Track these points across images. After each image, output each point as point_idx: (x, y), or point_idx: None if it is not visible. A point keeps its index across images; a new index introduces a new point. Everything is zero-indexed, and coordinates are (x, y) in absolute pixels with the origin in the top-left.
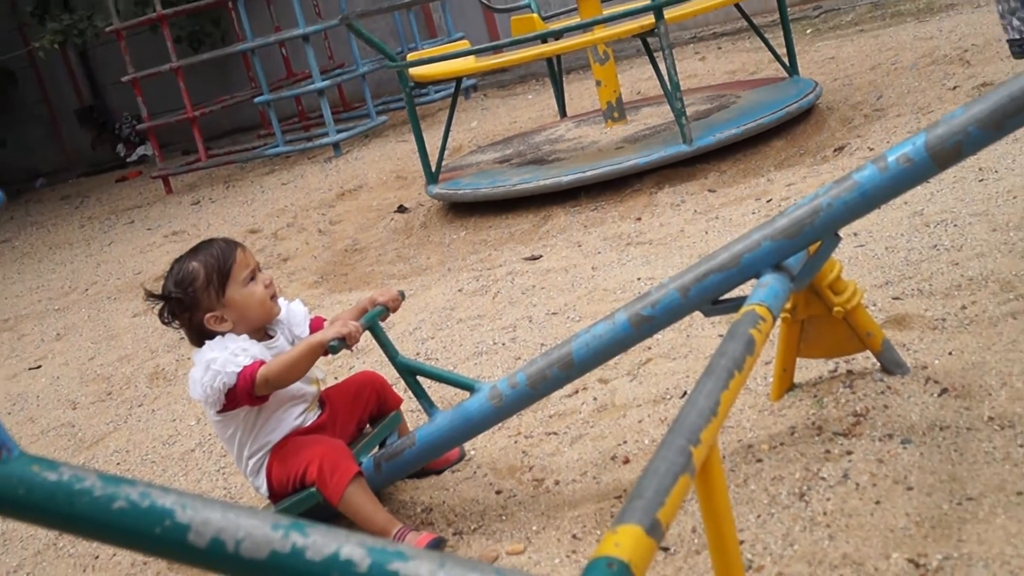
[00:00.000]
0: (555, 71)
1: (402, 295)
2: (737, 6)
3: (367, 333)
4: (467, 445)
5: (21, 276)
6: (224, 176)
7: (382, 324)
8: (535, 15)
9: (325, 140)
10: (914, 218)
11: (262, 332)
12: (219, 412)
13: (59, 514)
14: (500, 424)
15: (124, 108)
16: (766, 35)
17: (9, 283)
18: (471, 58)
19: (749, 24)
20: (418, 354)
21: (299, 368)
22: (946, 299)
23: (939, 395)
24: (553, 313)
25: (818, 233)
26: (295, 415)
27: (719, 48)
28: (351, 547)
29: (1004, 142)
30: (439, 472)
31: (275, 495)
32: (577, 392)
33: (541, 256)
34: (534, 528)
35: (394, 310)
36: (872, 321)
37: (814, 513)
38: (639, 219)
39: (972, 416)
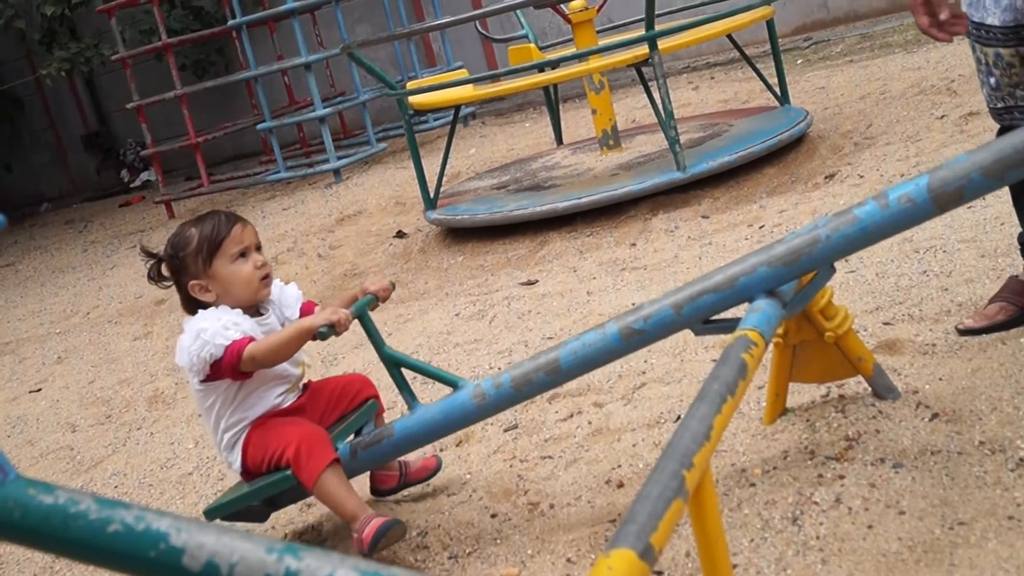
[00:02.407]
0: (552, 99)
1: (393, 286)
2: (729, 37)
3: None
4: (462, 469)
5: (24, 300)
6: (226, 201)
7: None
8: (532, 45)
9: (326, 166)
10: (904, 244)
11: (253, 308)
12: (201, 381)
13: (54, 537)
14: (495, 448)
15: (129, 134)
16: (758, 65)
17: (11, 306)
18: (469, 87)
19: (741, 55)
20: (415, 378)
21: (287, 350)
22: (936, 324)
23: (930, 420)
24: (549, 338)
25: (815, 263)
26: (276, 394)
27: (712, 78)
28: (345, 571)
29: None
30: (420, 482)
31: (248, 472)
32: (572, 416)
33: (537, 281)
34: (529, 552)
35: (384, 300)
36: (863, 346)
37: (807, 537)
38: (634, 245)
39: (963, 440)
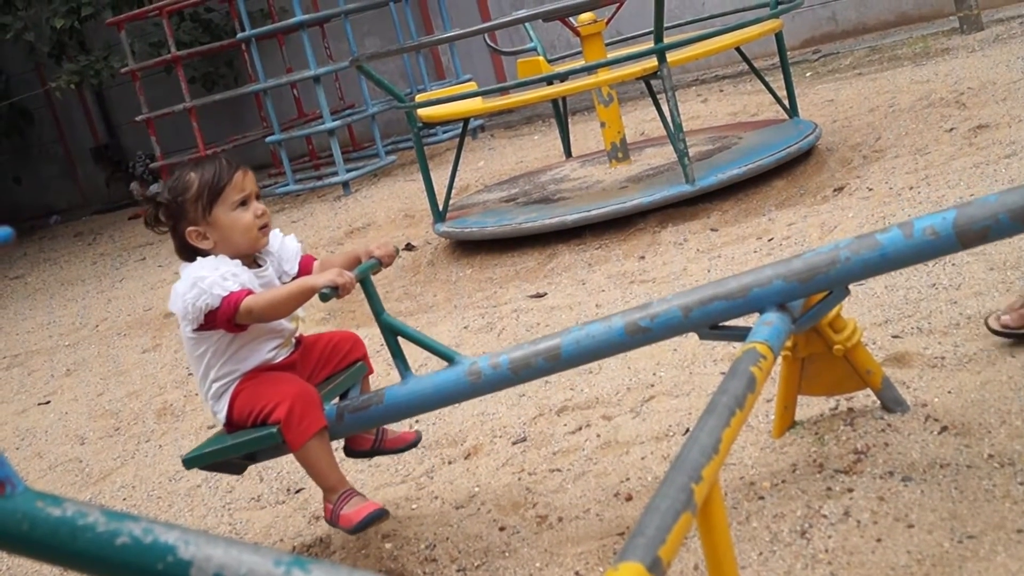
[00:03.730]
0: (561, 112)
1: (397, 251)
2: (738, 50)
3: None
4: (471, 482)
5: (33, 312)
6: None
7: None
8: (541, 58)
9: (335, 179)
10: None
11: (251, 259)
12: (195, 330)
13: (62, 550)
14: (504, 461)
15: (138, 147)
16: (767, 78)
17: (20, 319)
18: (478, 99)
19: (750, 67)
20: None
21: (286, 307)
22: (945, 337)
23: (939, 433)
24: None
25: (831, 283)
26: (268, 348)
27: (721, 90)
28: None
29: (1002, 182)
30: (393, 452)
31: (232, 424)
32: (581, 429)
33: (546, 294)
34: (537, 565)
35: (387, 265)
36: (872, 359)
37: (816, 551)
38: (643, 258)
39: (972, 454)
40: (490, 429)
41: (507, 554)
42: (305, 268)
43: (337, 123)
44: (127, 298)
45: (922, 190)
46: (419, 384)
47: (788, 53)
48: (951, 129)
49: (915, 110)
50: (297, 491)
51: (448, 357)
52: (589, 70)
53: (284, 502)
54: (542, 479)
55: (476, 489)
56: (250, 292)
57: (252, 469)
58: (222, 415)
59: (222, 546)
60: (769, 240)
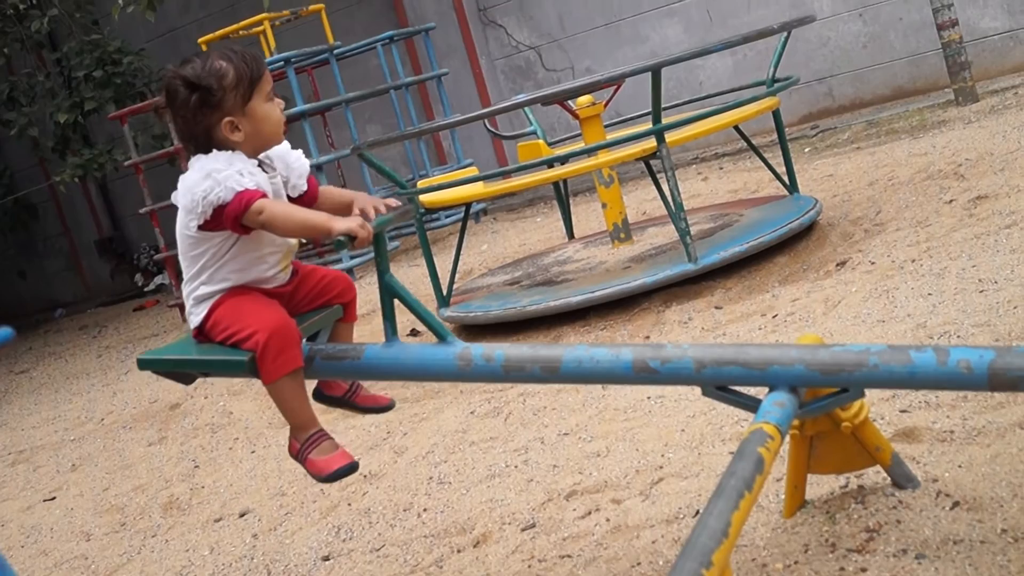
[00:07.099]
0: (562, 194)
1: (415, 213)
2: (737, 128)
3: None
4: (480, 571)
5: (38, 407)
6: None
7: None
8: (541, 141)
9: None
10: (917, 330)
11: (257, 163)
12: (199, 227)
13: None
14: (514, 548)
15: (142, 239)
16: (765, 155)
17: (26, 414)
18: (480, 184)
19: (748, 145)
20: (431, 478)
21: (294, 229)
22: (953, 411)
23: (951, 508)
24: (565, 434)
25: (852, 382)
26: (267, 267)
27: (720, 168)
28: None
29: (1003, 252)
30: (360, 410)
31: (202, 333)
32: (590, 513)
33: None
34: None
35: (400, 223)
36: (880, 435)
37: None
38: (648, 337)
39: (985, 529)
40: (499, 516)
41: None
42: (312, 188)
43: None
44: (133, 391)
45: (924, 262)
46: (402, 351)
47: (786, 129)
48: (951, 201)
49: (914, 183)
50: None
51: (441, 335)
52: (589, 152)
53: None
54: (552, 566)
55: None
56: (264, 195)
57: (260, 564)
58: (196, 320)
59: None
60: (773, 317)
